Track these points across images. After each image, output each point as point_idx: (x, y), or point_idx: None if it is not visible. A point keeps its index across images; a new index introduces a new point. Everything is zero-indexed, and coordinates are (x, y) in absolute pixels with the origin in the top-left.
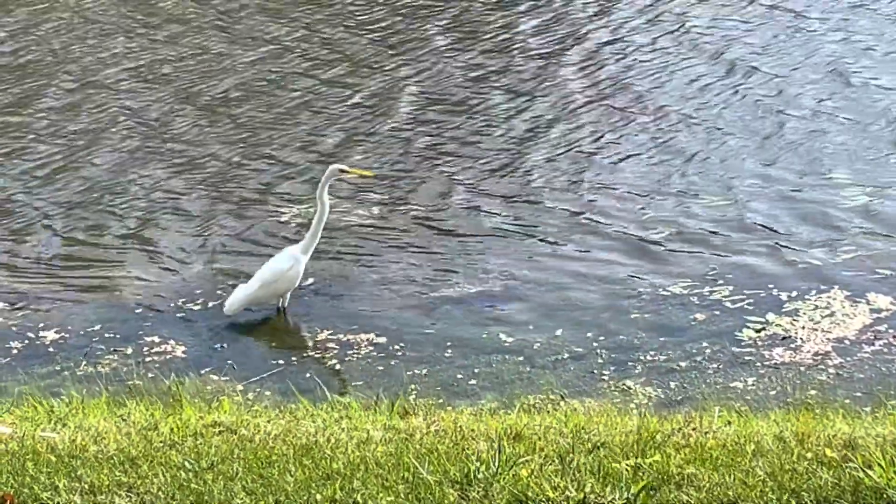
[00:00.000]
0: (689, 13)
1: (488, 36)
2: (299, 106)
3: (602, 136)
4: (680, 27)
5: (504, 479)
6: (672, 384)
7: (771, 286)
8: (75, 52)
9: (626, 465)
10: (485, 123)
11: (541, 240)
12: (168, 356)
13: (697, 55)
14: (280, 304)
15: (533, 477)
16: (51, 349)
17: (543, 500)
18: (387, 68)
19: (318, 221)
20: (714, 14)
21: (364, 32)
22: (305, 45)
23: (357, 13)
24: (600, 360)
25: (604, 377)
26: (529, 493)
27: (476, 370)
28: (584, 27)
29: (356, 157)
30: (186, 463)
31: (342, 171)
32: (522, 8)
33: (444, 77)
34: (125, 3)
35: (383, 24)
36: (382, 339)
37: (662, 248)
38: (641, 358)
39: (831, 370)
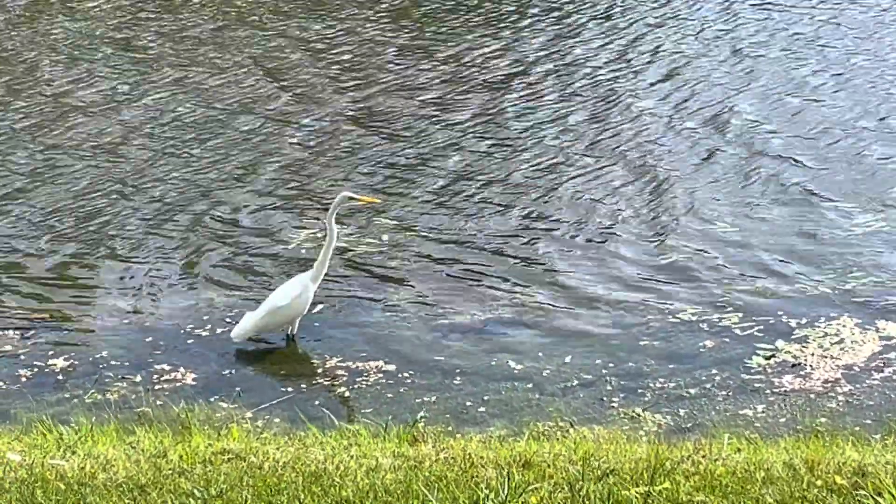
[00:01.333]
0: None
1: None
2: (308, 133)
3: (606, 164)
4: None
5: None
6: (681, 411)
7: (780, 313)
8: (75, 75)
9: (636, 492)
10: (491, 150)
11: (549, 267)
12: (177, 383)
13: (685, 78)
14: (289, 332)
15: None
16: (60, 377)
17: None
18: (397, 95)
19: (327, 249)
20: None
21: (380, 56)
22: (322, 72)
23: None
24: (609, 388)
25: (613, 404)
26: None
27: (485, 397)
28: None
29: (364, 183)
30: (196, 490)
31: (350, 198)
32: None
33: (457, 106)
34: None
35: (400, 49)
36: (391, 367)
37: (672, 275)
38: (651, 385)
39: (841, 397)
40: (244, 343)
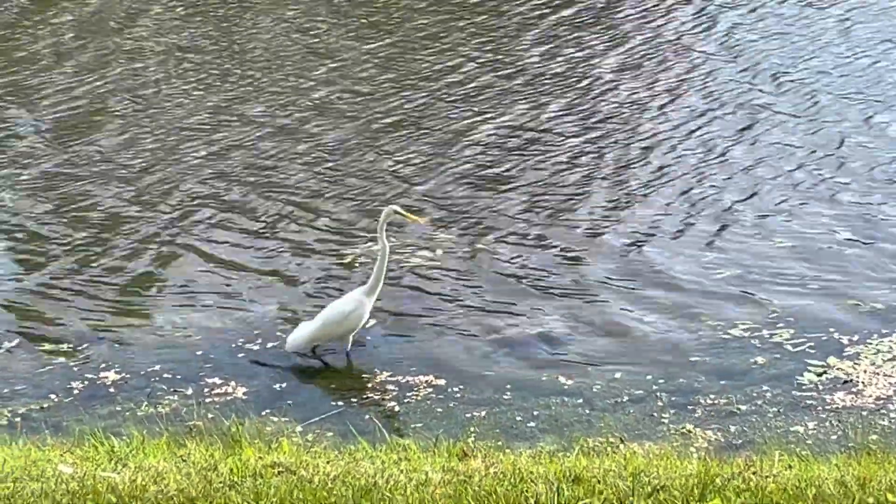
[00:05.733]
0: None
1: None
2: (361, 145)
3: (658, 180)
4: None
5: None
6: (732, 427)
7: (832, 329)
8: (137, 91)
9: None
10: (545, 164)
11: (600, 282)
12: (228, 397)
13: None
14: (343, 347)
15: None
16: (112, 390)
17: None
18: (451, 105)
19: (381, 263)
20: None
21: (430, 71)
22: (360, 88)
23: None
24: (660, 403)
25: (663, 420)
26: None
27: (535, 412)
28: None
29: (419, 198)
30: (246, 503)
31: (396, 212)
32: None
33: (511, 115)
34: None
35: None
36: (441, 381)
37: (723, 291)
38: (701, 401)
39: (893, 414)
40: (295, 356)
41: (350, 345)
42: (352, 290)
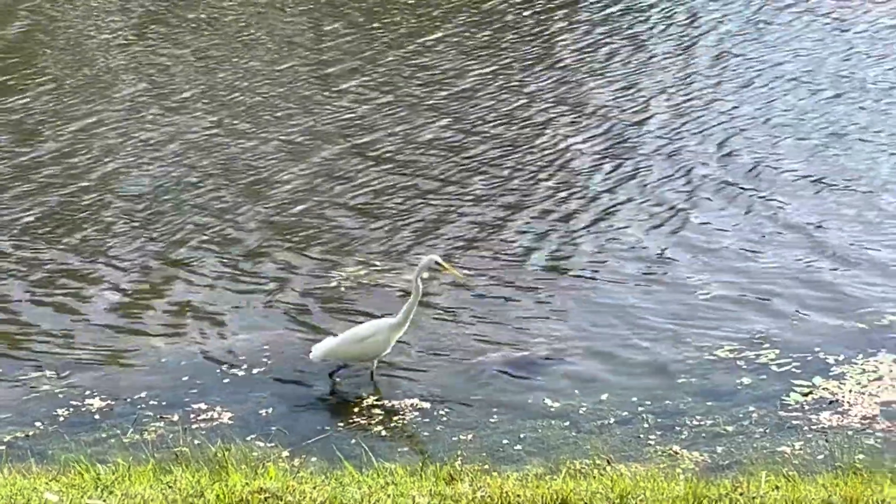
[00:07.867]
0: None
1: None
2: (369, 167)
3: (641, 202)
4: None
5: None
6: (719, 448)
7: (818, 350)
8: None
9: None
10: (529, 188)
11: (585, 305)
12: (214, 423)
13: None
14: (370, 369)
15: None
16: (97, 416)
17: None
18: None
19: (412, 304)
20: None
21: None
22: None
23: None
24: (646, 425)
25: (650, 442)
26: None
27: (521, 435)
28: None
29: (405, 216)
30: None
31: (437, 263)
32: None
33: (496, 140)
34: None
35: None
36: (427, 405)
37: (708, 312)
38: (688, 422)
39: (879, 434)
40: (281, 383)
41: (374, 368)
42: (382, 319)
